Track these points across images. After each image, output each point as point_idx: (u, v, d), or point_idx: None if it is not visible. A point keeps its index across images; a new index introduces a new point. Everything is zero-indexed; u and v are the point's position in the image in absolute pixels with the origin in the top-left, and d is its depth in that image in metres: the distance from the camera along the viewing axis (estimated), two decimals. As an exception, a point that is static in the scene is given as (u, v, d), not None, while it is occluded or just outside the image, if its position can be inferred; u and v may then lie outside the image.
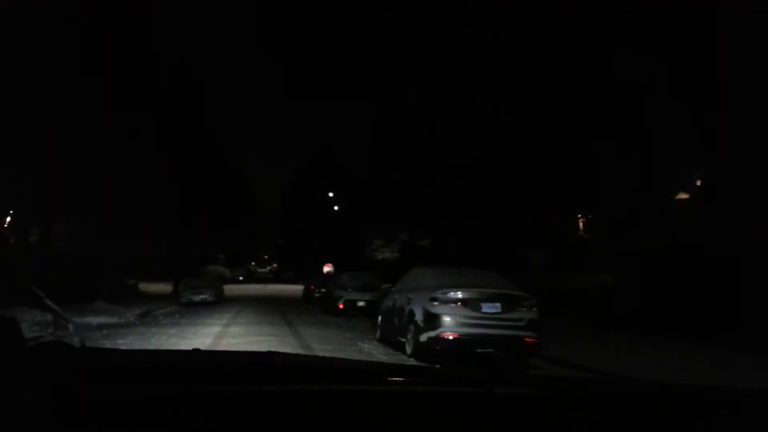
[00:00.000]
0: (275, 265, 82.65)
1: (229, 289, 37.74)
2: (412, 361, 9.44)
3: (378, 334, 12.63)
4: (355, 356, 9.38)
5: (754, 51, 12.89)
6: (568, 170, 21.13)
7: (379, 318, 12.60)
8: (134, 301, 24.60)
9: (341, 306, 19.84)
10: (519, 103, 21.98)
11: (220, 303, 26.41)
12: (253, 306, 25.41)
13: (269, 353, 1.63)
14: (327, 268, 36.91)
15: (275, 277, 71.04)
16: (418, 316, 9.66)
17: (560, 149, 20.93)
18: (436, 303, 9.32)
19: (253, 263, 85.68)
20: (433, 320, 9.28)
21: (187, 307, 23.94)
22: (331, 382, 1.41)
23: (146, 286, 34.34)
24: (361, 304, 19.76)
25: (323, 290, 28.20)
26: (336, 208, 42.41)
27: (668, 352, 10.83)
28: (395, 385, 1.46)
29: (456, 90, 24.65)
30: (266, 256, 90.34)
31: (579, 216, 26.76)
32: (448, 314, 9.17)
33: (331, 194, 42.17)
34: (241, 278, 64.20)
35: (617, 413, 1.29)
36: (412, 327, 9.90)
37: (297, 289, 42.32)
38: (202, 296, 25.41)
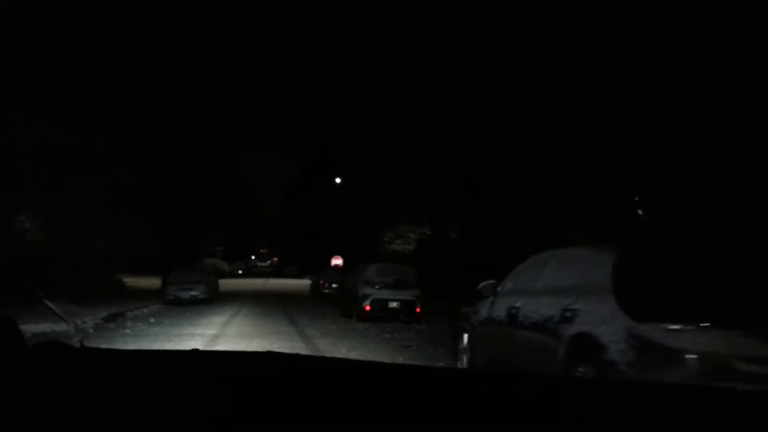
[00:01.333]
0: (276, 258, 77.12)
1: (227, 283, 32.39)
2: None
3: (465, 366, 6.98)
4: None
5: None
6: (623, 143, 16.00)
7: (465, 338, 6.94)
8: (111, 299, 19.15)
9: (368, 308, 14.23)
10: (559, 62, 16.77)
11: (213, 301, 21.09)
12: (253, 305, 19.90)
13: (269, 353, 1.49)
14: (335, 261, 31.26)
15: (276, 271, 65.35)
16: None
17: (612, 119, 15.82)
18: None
19: (253, 257, 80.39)
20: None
21: (172, 307, 18.82)
22: (333, 383, 1.24)
23: (135, 281, 29.32)
24: (393, 305, 14.25)
25: (334, 286, 23.13)
26: (342, 197, 36.99)
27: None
28: (400, 385, 1.26)
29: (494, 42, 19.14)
30: (266, 251, 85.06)
31: (636, 200, 21.38)
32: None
33: (338, 180, 36.54)
34: (240, 272, 59.00)
35: (616, 413, 1.12)
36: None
37: (301, 283, 37.02)
38: (192, 293, 20.04)
